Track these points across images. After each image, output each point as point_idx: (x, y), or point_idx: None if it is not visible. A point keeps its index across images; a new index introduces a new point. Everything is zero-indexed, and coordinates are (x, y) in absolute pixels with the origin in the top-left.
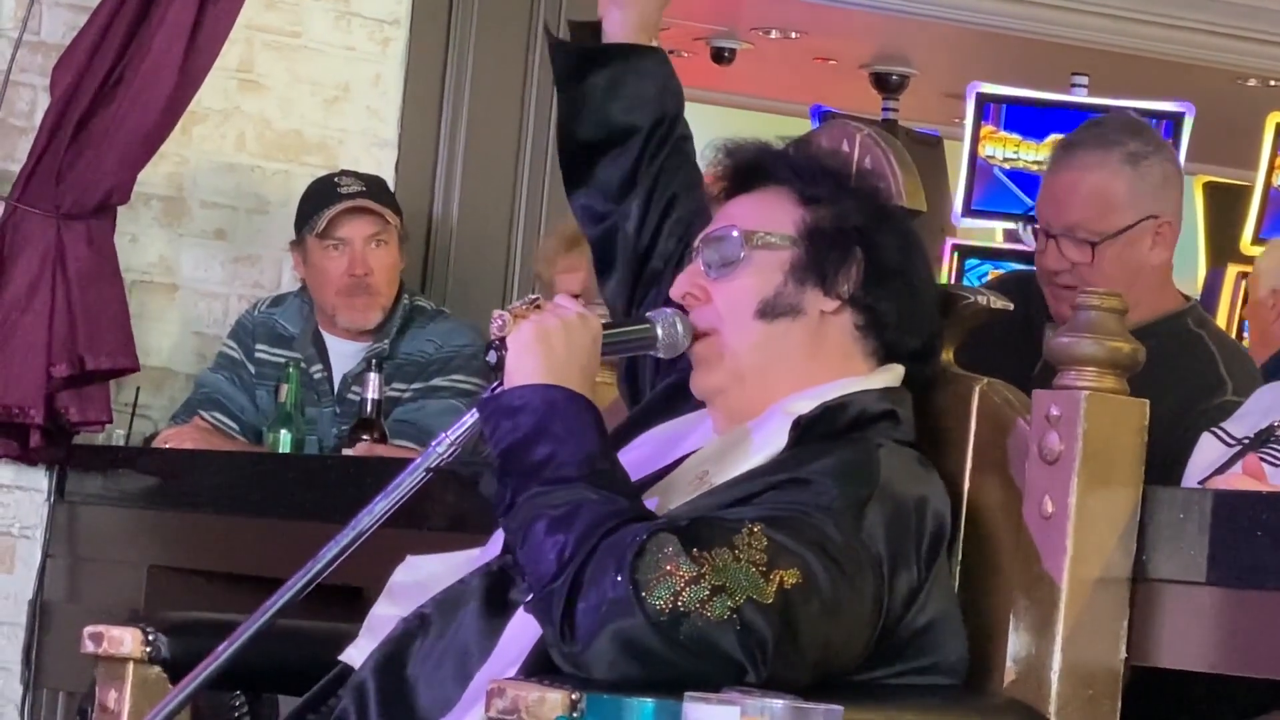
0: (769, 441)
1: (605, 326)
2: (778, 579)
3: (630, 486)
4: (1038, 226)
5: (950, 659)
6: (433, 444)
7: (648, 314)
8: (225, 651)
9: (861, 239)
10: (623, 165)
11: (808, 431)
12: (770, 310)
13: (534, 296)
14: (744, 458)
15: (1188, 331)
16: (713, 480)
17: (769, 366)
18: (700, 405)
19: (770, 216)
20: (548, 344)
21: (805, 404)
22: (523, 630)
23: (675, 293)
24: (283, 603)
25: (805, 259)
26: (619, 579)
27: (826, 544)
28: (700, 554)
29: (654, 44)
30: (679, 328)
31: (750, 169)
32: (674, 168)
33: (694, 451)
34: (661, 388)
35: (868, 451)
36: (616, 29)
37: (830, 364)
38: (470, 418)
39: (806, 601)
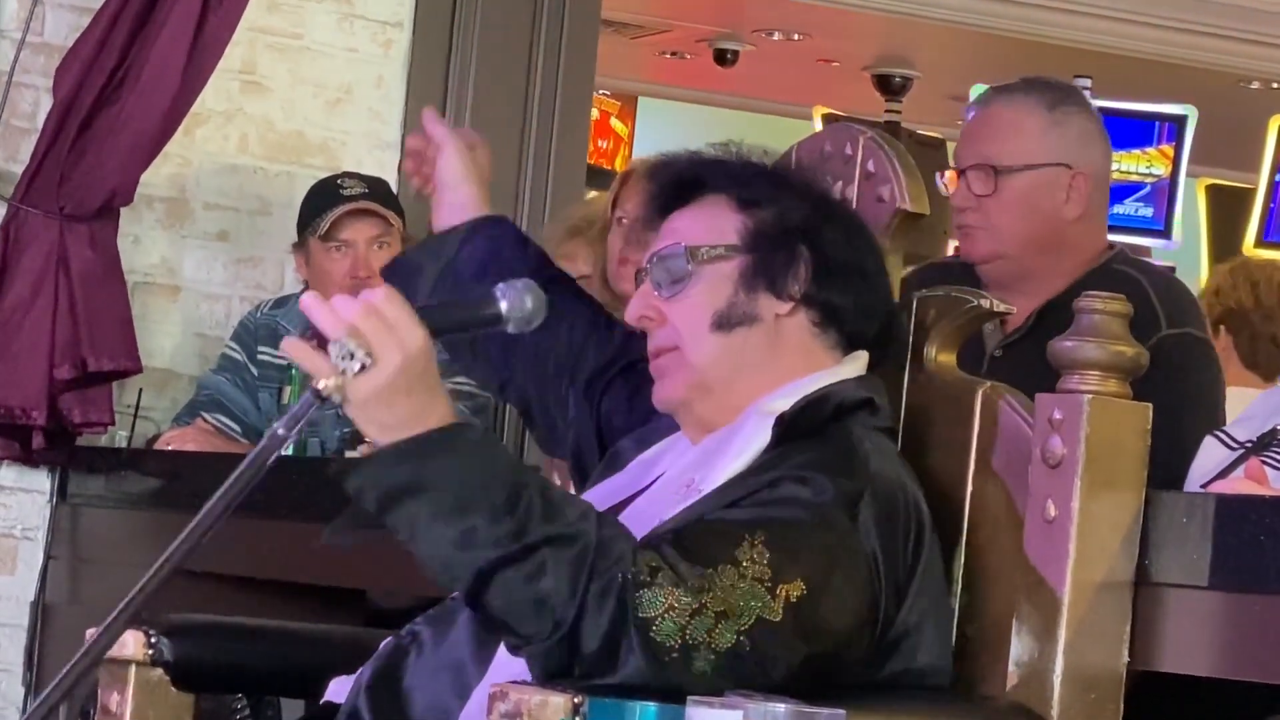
0: (751, 441)
1: (428, 318)
2: (784, 594)
3: (571, 501)
4: (949, 171)
5: (940, 657)
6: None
7: (494, 288)
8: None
9: (805, 236)
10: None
11: (791, 427)
12: (726, 321)
13: (341, 351)
14: (728, 460)
15: (1115, 272)
16: (701, 487)
17: (733, 375)
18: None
19: (712, 227)
20: (390, 394)
21: (782, 402)
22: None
23: (631, 317)
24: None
25: (753, 265)
26: (622, 622)
27: (826, 548)
28: (701, 577)
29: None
30: (528, 301)
31: (686, 181)
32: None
33: (665, 473)
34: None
35: (853, 445)
36: (458, 213)
37: (794, 362)
38: (305, 405)
39: (814, 611)
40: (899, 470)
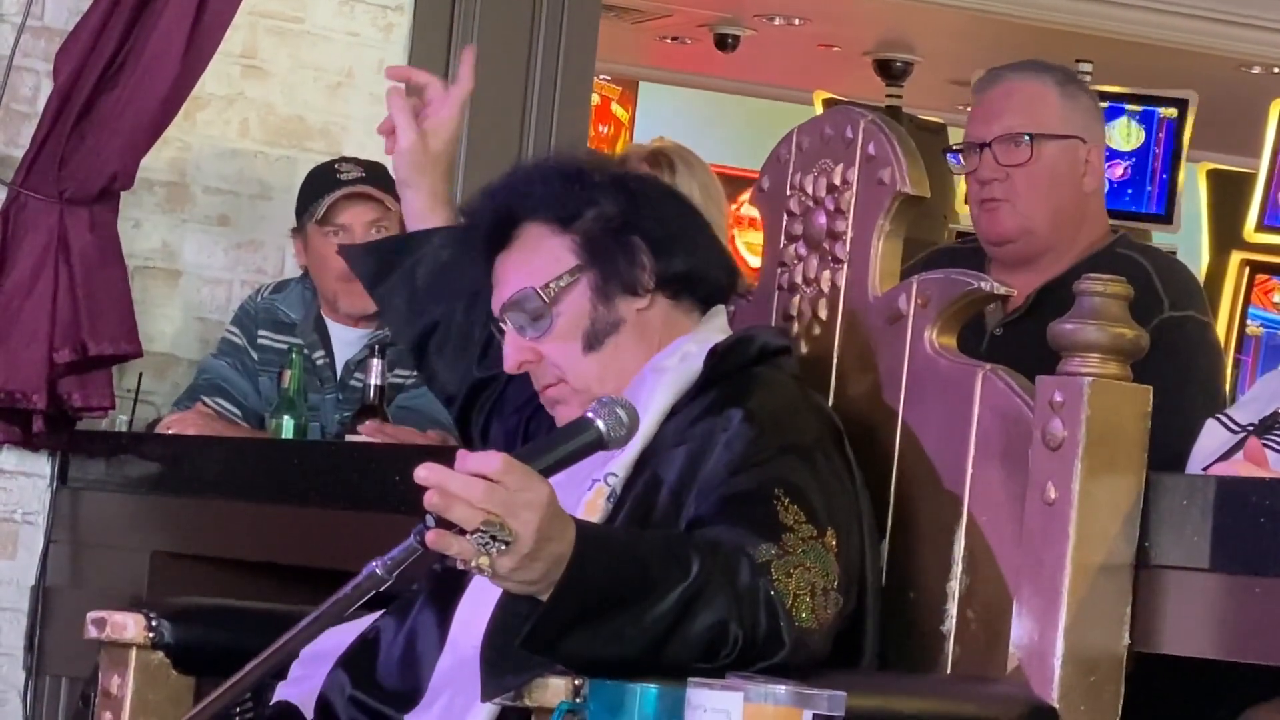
0: (657, 389)
1: (542, 467)
2: (831, 548)
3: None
4: (962, 147)
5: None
6: (369, 566)
7: (586, 414)
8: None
9: (630, 225)
10: (452, 354)
11: (723, 359)
12: (595, 339)
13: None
14: (649, 407)
15: (1117, 255)
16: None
17: (619, 376)
18: None
19: (548, 259)
20: (531, 560)
21: (670, 360)
22: (472, 615)
23: (509, 367)
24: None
25: (600, 277)
26: (779, 627)
27: (827, 490)
28: (789, 557)
29: (442, 221)
30: (622, 415)
31: (499, 223)
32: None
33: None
34: None
35: (802, 390)
36: (410, 210)
37: (665, 336)
38: (404, 545)
39: (847, 552)
40: (830, 409)
